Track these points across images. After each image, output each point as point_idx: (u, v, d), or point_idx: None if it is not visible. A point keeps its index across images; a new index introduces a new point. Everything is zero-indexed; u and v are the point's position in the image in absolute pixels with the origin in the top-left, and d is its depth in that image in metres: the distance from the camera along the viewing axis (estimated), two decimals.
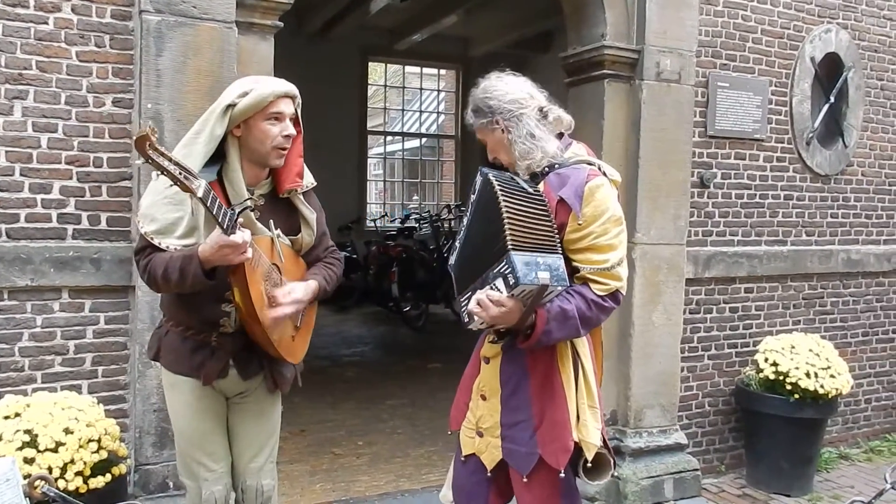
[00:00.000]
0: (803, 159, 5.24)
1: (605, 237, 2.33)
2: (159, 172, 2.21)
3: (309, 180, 2.70)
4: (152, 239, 2.45)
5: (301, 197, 2.68)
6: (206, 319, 2.57)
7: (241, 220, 2.34)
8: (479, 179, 2.39)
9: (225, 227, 2.26)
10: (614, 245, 2.35)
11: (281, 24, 3.48)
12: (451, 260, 2.54)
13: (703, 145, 4.81)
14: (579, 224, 2.31)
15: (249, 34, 3.41)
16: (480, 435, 2.57)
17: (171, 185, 2.38)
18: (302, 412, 5.67)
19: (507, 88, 2.45)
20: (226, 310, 2.55)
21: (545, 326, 2.26)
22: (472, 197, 2.43)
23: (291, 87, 2.57)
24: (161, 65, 3.20)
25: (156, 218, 2.46)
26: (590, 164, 2.45)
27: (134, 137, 2.21)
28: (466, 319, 2.38)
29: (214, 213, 2.26)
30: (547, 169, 2.41)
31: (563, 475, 2.43)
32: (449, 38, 11.15)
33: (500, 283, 2.20)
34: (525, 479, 2.46)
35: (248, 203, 2.43)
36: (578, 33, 4.50)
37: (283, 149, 2.53)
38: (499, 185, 2.29)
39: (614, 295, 2.37)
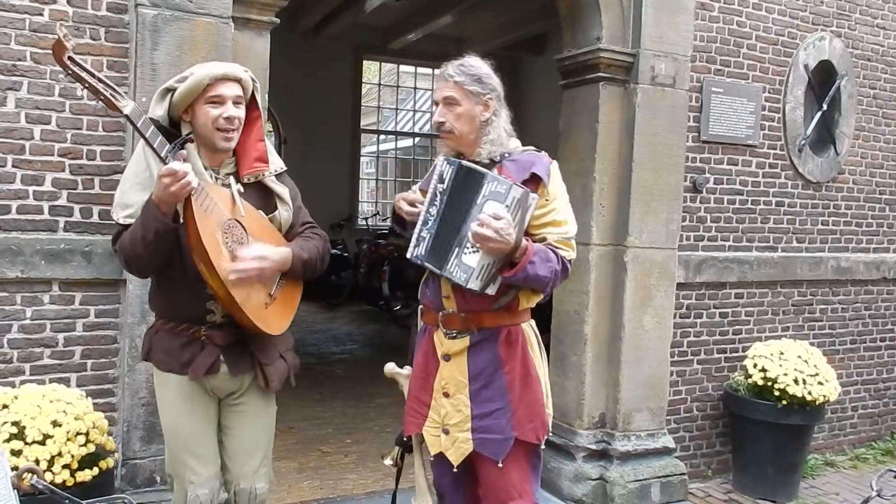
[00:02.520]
0: (795, 166, 5.26)
1: (563, 213, 2.61)
2: (82, 86, 2.17)
3: (277, 165, 2.69)
4: (125, 222, 2.46)
5: (272, 178, 2.67)
6: (192, 309, 2.55)
7: (184, 152, 2.34)
8: (449, 168, 2.48)
9: (163, 155, 2.26)
10: (569, 220, 2.63)
11: (277, 20, 3.47)
12: (419, 251, 2.51)
13: (697, 150, 4.82)
14: (546, 200, 2.55)
15: (245, 30, 3.40)
16: (446, 432, 2.64)
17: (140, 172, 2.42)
18: (290, 409, 5.65)
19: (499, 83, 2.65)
20: (210, 293, 2.51)
21: (532, 256, 2.44)
22: (441, 186, 2.49)
23: (232, 69, 2.55)
24: (156, 59, 3.19)
25: (129, 204, 2.47)
26: (536, 152, 2.67)
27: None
28: (465, 277, 2.42)
29: (148, 136, 2.23)
30: (499, 157, 2.61)
31: (543, 448, 2.68)
32: (443, 38, 11.13)
33: (488, 205, 2.38)
34: (501, 465, 2.57)
35: (187, 136, 2.41)
36: (574, 36, 4.51)
37: (225, 130, 2.49)
38: (472, 164, 2.49)
39: (570, 263, 2.60)
